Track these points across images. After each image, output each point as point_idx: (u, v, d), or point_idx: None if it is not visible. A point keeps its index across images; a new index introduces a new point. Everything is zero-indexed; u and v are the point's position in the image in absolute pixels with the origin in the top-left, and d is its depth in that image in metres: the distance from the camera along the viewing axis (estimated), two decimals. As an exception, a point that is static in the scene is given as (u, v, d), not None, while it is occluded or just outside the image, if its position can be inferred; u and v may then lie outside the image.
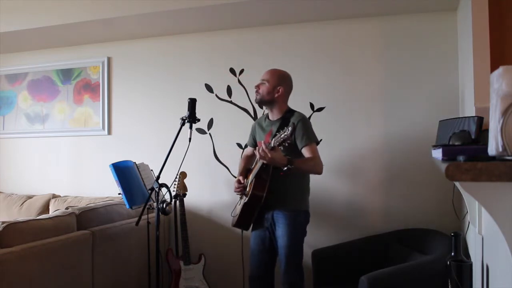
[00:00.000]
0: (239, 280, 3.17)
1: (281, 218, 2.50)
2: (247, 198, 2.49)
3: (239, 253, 2.87)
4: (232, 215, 2.75)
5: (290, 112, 2.60)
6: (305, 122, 2.53)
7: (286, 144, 2.20)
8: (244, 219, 2.58)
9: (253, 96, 2.78)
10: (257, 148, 2.38)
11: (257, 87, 2.61)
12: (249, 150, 2.86)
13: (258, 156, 2.33)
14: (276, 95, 2.56)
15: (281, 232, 2.50)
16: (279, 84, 2.57)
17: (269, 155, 2.25)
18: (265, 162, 2.34)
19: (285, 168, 2.29)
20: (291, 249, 2.48)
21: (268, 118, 2.68)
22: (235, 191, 2.70)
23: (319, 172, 2.50)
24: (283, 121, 2.54)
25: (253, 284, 2.67)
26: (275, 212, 2.52)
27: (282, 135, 2.18)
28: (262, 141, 2.52)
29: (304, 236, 2.58)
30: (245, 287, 2.82)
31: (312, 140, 2.49)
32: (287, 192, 2.51)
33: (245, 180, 2.69)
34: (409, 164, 3.10)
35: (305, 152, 2.46)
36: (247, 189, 2.58)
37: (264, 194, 2.43)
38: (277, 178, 2.44)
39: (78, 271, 2.62)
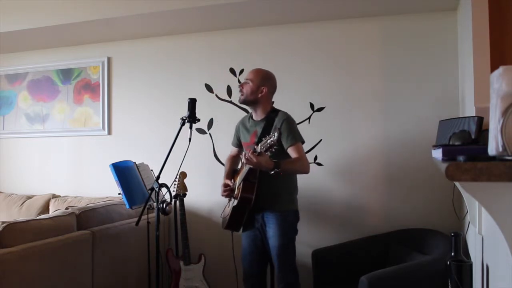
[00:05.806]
0: (239, 280, 3.16)
1: (272, 219, 2.50)
2: (236, 201, 2.48)
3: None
4: (222, 216, 2.76)
5: (274, 112, 2.59)
6: (289, 121, 2.52)
7: (273, 150, 2.18)
8: (235, 221, 2.59)
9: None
10: (243, 153, 2.37)
11: (241, 86, 2.60)
12: (233, 150, 2.84)
13: (244, 161, 2.31)
14: (260, 95, 2.55)
15: (272, 232, 2.50)
16: (263, 84, 2.55)
17: (255, 160, 2.24)
18: (251, 167, 2.32)
19: (272, 172, 2.28)
20: (283, 249, 2.49)
21: (252, 118, 2.66)
22: (222, 195, 2.68)
23: (306, 171, 2.50)
24: (268, 121, 2.53)
25: (247, 285, 2.68)
26: (265, 213, 2.53)
27: (269, 141, 2.14)
28: (249, 147, 2.52)
29: (296, 235, 2.58)
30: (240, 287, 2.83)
31: (298, 139, 2.48)
32: (276, 193, 2.51)
33: (232, 182, 2.68)
34: (409, 164, 3.10)
35: (291, 152, 2.45)
36: (236, 192, 2.57)
37: (253, 197, 2.43)
38: (266, 180, 2.43)
39: (78, 271, 2.62)
